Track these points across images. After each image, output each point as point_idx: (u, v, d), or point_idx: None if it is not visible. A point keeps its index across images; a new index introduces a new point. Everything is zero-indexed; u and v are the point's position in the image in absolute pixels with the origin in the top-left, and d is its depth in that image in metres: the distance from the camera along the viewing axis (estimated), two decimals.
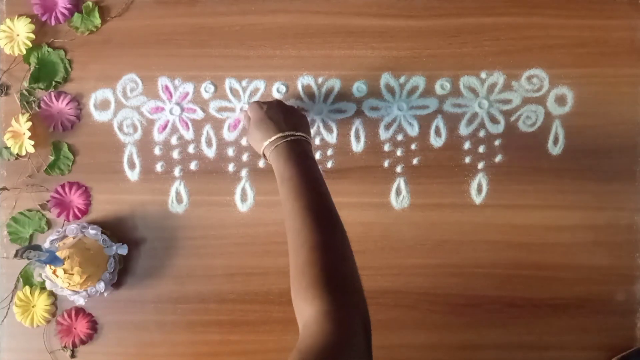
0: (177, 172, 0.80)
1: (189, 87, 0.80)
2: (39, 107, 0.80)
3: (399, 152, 0.80)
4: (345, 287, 0.51)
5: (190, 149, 0.80)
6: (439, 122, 0.80)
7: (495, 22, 0.79)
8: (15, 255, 0.65)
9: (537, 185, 0.79)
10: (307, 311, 0.49)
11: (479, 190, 0.79)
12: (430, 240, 0.79)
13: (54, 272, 0.72)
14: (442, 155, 0.80)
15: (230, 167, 0.80)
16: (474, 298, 0.79)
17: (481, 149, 0.79)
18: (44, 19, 0.79)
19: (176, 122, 0.80)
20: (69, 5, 0.79)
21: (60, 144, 0.80)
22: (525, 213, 0.79)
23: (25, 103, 0.80)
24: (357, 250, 0.79)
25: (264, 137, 0.65)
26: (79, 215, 0.80)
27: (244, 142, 0.80)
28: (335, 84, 0.80)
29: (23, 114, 0.79)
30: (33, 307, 0.79)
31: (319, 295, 0.49)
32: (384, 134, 0.80)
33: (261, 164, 0.80)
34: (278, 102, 0.71)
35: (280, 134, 0.65)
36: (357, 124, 0.80)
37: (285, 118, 0.67)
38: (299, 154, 0.63)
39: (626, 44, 0.79)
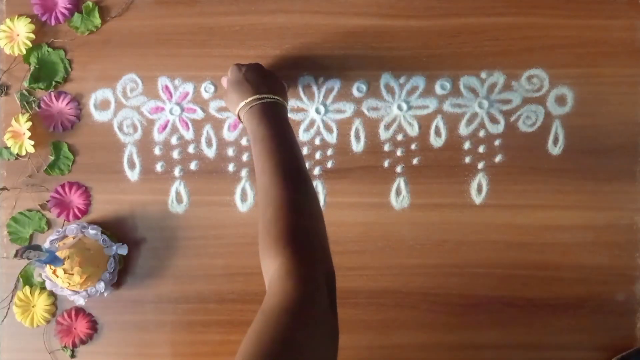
0: (177, 172, 0.80)
1: (189, 87, 0.80)
2: (39, 107, 0.80)
3: (399, 152, 0.80)
4: (309, 244, 0.51)
5: (190, 149, 0.80)
6: (439, 122, 0.80)
7: (495, 22, 0.79)
8: (15, 255, 0.65)
9: (537, 185, 0.79)
10: (271, 269, 0.49)
11: (479, 190, 0.79)
12: (430, 240, 0.79)
13: (54, 272, 0.72)
14: (442, 155, 0.80)
15: (230, 167, 0.80)
16: (474, 298, 0.79)
17: (481, 149, 0.79)
18: (44, 19, 0.79)
19: (176, 122, 0.80)
20: (69, 5, 0.79)
21: (60, 144, 0.80)
22: (525, 213, 0.79)
23: (25, 103, 0.80)
24: (357, 250, 0.79)
25: (240, 98, 0.65)
26: (79, 215, 0.80)
27: (244, 142, 0.80)
28: (335, 84, 0.80)
29: (23, 114, 0.79)
30: (33, 307, 0.79)
31: (281, 253, 0.49)
32: (384, 134, 0.80)
33: None
34: (257, 66, 0.71)
35: (256, 96, 0.64)
36: (357, 124, 0.80)
37: (263, 81, 0.67)
38: (273, 115, 0.63)
39: (626, 44, 0.79)
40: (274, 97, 0.65)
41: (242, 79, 0.67)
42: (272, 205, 0.53)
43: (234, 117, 0.80)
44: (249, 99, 0.64)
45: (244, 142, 0.80)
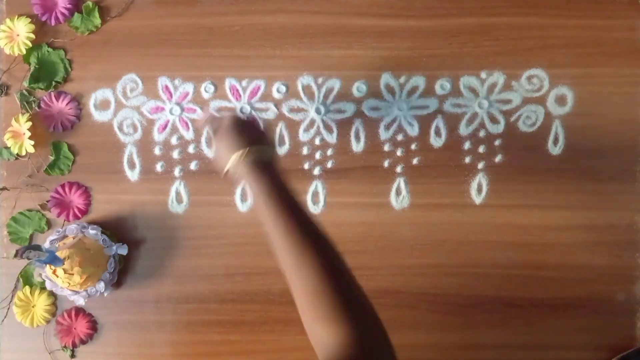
0: (177, 172, 0.80)
1: (189, 87, 0.80)
2: (39, 107, 0.80)
3: (399, 152, 0.80)
4: (364, 311, 0.51)
5: (190, 149, 0.80)
6: (439, 122, 0.80)
7: (495, 22, 0.79)
8: (15, 255, 0.65)
9: (537, 185, 0.79)
10: (329, 338, 0.48)
11: (479, 190, 0.79)
12: (430, 240, 0.79)
13: (54, 272, 0.72)
14: (442, 155, 0.80)
15: None
16: (473, 298, 0.79)
17: (481, 149, 0.79)
18: (44, 19, 0.79)
19: (176, 122, 0.80)
20: (69, 5, 0.79)
21: (60, 144, 0.80)
22: (525, 213, 0.79)
23: (25, 103, 0.80)
24: (357, 250, 0.79)
25: (236, 148, 0.60)
26: (79, 215, 0.80)
27: None
28: (335, 84, 0.80)
29: (23, 114, 0.79)
30: (33, 307, 0.79)
31: (340, 321, 0.48)
32: (384, 134, 0.80)
33: None
34: (237, 118, 0.65)
35: (253, 147, 0.60)
36: (357, 124, 0.80)
37: (249, 133, 0.62)
38: (273, 170, 0.59)
39: (626, 44, 0.79)
40: (262, 147, 0.61)
41: (230, 131, 0.62)
42: (314, 270, 0.51)
43: None
44: (246, 150, 0.59)
45: None
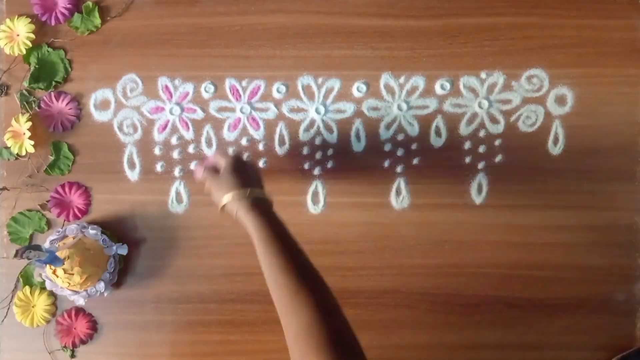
0: (177, 172, 0.80)
1: (189, 87, 0.80)
2: (39, 107, 0.80)
3: (399, 152, 0.80)
4: (353, 352, 0.52)
5: (190, 149, 0.80)
6: (439, 122, 0.80)
7: (495, 22, 0.79)
8: (15, 255, 0.65)
9: (537, 185, 0.79)
10: None
11: (479, 190, 0.79)
12: (430, 240, 0.79)
13: (54, 272, 0.72)
14: (442, 155, 0.80)
15: None
16: (474, 298, 0.79)
17: (481, 149, 0.79)
18: (44, 19, 0.79)
19: (176, 122, 0.80)
20: (69, 5, 0.79)
21: (60, 144, 0.80)
22: (525, 213, 0.79)
23: (25, 103, 0.80)
24: (357, 250, 0.79)
25: (239, 186, 0.64)
26: (79, 215, 0.80)
27: (244, 142, 0.80)
28: (335, 84, 0.80)
29: (23, 114, 0.79)
30: (33, 307, 0.79)
31: (328, 358, 0.50)
32: (384, 134, 0.80)
33: (261, 163, 0.80)
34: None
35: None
36: (357, 124, 0.80)
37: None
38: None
39: (626, 44, 0.79)
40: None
41: (232, 169, 0.66)
42: (308, 308, 0.53)
43: (234, 117, 0.80)
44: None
45: (244, 142, 0.80)
